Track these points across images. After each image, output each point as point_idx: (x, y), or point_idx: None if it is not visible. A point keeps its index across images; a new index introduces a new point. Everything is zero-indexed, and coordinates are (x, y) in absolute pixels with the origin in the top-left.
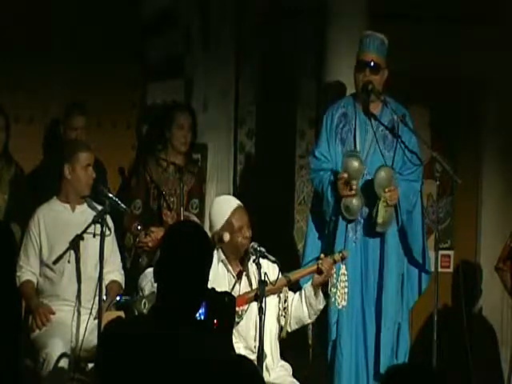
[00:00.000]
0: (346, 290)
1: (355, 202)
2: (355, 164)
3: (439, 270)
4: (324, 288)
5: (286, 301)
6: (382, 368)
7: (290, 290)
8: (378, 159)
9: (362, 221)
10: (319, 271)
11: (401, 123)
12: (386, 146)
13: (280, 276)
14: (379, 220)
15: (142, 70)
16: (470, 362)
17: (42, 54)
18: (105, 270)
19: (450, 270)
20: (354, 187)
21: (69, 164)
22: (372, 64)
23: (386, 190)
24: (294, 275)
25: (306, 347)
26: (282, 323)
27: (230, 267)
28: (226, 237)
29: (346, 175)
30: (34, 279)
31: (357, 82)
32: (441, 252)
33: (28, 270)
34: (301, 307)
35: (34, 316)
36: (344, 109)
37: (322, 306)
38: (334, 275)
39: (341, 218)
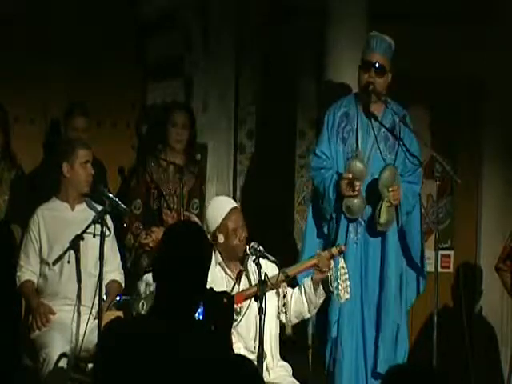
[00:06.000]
0: (348, 282)
1: (357, 202)
2: (360, 165)
3: (439, 270)
4: (325, 287)
5: (285, 296)
6: (381, 368)
7: (287, 285)
8: (379, 161)
9: (363, 222)
10: (317, 268)
11: (401, 124)
12: (387, 148)
13: (277, 272)
14: (382, 220)
15: (142, 70)
16: (470, 361)
17: (42, 53)
18: (104, 270)
19: (450, 270)
20: (357, 188)
21: (67, 162)
22: (377, 65)
23: (390, 189)
24: (291, 271)
25: (306, 347)
26: (283, 319)
27: (227, 269)
28: (221, 239)
29: (350, 176)
30: (34, 279)
31: (361, 82)
32: (441, 252)
33: (28, 270)
34: (301, 302)
35: (34, 316)
36: (346, 108)
37: (321, 301)
38: (334, 269)
39: (342, 218)
